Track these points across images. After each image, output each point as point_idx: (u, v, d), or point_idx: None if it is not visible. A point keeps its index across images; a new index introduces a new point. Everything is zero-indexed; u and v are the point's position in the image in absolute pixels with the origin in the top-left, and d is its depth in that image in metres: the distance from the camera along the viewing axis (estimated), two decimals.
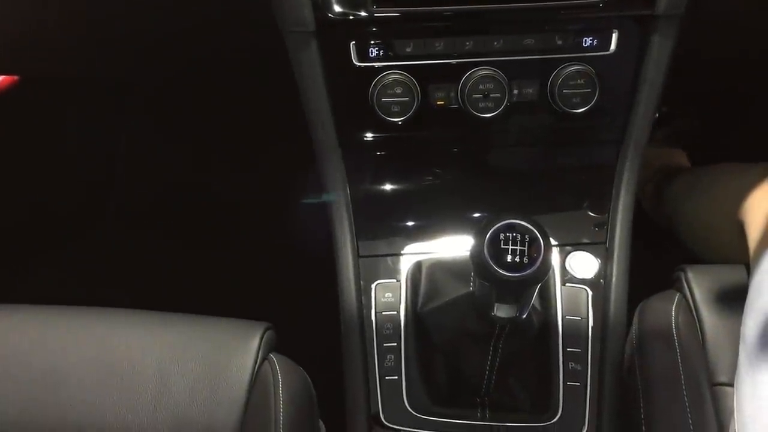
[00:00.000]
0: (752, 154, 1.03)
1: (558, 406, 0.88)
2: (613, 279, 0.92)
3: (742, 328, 0.74)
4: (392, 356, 0.90)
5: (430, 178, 0.98)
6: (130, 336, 0.77)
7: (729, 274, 0.86)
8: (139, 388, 0.73)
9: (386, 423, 0.89)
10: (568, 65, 0.86)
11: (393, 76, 0.85)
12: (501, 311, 0.75)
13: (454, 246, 0.96)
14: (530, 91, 0.87)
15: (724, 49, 1.08)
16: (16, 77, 1.36)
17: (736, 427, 0.71)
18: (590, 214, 0.96)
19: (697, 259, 1.08)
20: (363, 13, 0.81)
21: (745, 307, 0.75)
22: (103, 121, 1.62)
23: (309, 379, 0.80)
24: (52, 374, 0.74)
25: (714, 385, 0.78)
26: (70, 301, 0.82)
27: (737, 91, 1.46)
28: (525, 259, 0.71)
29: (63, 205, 1.54)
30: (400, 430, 0.88)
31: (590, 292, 0.92)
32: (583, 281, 0.93)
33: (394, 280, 0.93)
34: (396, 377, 0.90)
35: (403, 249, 0.95)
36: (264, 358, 0.75)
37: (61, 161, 1.53)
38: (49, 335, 0.78)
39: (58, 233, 1.52)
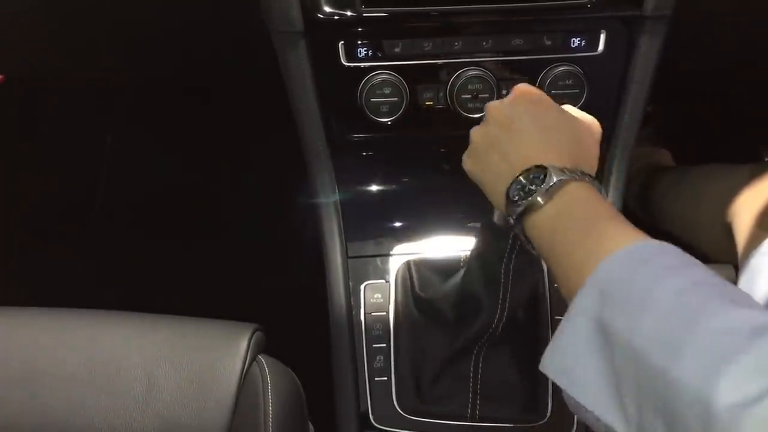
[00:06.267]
0: (737, 155, 1.04)
1: (547, 407, 0.88)
2: None
3: None
4: (381, 357, 0.90)
5: (419, 178, 0.98)
6: (117, 338, 0.77)
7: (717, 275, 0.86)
8: (127, 390, 0.72)
9: (375, 424, 0.89)
10: (557, 66, 0.86)
11: (382, 76, 0.85)
12: (497, 216, 0.77)
13: (443, 246, 0.96)
14: None
15: (710, 50, 1.09)
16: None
17: None
18: None
19: None
20: (351, 14, 0.81)
21: None
22: (88, 120, 1.61)
23: (298, 381, 0.79)
24: (37, 376, 0.73)
25: None
26: (56, 302, 0.81)
27: (722, 91, 1.47)
28: None
29: (48, 204, 1.53)
30: (390, 431, 0.88)
31: None
32: None
33: (383, 281, 0.93)
34: (385, 378, 0.90)
35: (392, 249, 0.95)
36: (253, 360, 0.75)
37: (45, 160, 1.52)
38: (35, 337, 0.77)
39: (43, 233, 1.51)
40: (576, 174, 0.62)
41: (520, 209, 0.63)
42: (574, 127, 0.69)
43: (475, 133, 0.72)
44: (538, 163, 0.63)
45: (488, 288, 0.82)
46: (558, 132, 0.67)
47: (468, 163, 0.72)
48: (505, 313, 0.83)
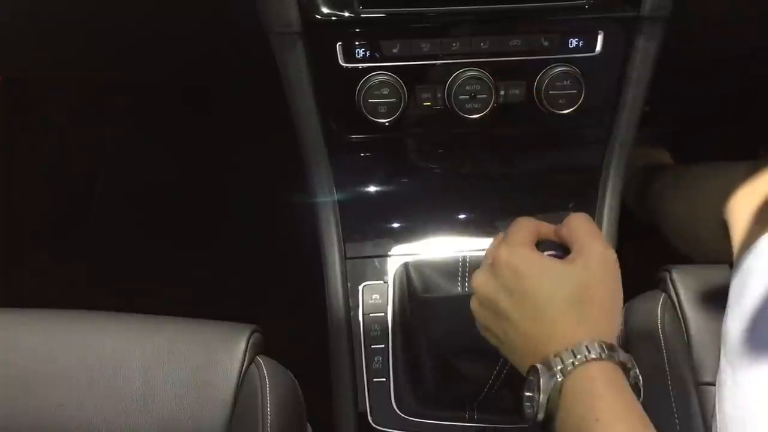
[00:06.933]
0: (734, 153, 1.04)
1: None
2: None
3: (723, 328, 0.75)
4: (380, 358, 0.90)
5: (417, 179, 0.98)
6: (114, 339, 0.77)
7: (714, 275, 0.87)
8: (125, 392, 0.73)
9: (374, 425, 0.89)
10: (555, 66, 0.86)
11: (379, 77, 0.85)
12: None
13: (442, 247, 0.96)
14: (517, 92, 0.87)
15: (707, 49, 1.09)
16: None
17: (718, 427, 0.71)
18: None
19: (681, 257, 1.09)
20: (349, 14, 0.81)
21: (726, 308, 0.76)
22: (85, 121, 1.60)
23: (296, 382, 0.80)
24: (36, 377, 0.73)
25: (699, 384, 0.79)
26: (53, 303, 0.81)
27: (720, 90, 1.48)
28: None
29: (45, 205, 1.53)
30: None
31: None
32: None
33: (382, 282, 0.93)
34: (384, 379, 0.90)
35: (390, 250, 0.95)
36: (251, 361, 0.75)
37: (42, 161, 1.52)
38: (33, 338, 0.77)
39: (40, 235, 1.51)
40: (583, 355, 0.60)
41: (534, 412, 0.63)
42: (574, 283, 0.64)
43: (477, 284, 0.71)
44: (534, 363, 0.63)
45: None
46: (555, 305, 0.64)
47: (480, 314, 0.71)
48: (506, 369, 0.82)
